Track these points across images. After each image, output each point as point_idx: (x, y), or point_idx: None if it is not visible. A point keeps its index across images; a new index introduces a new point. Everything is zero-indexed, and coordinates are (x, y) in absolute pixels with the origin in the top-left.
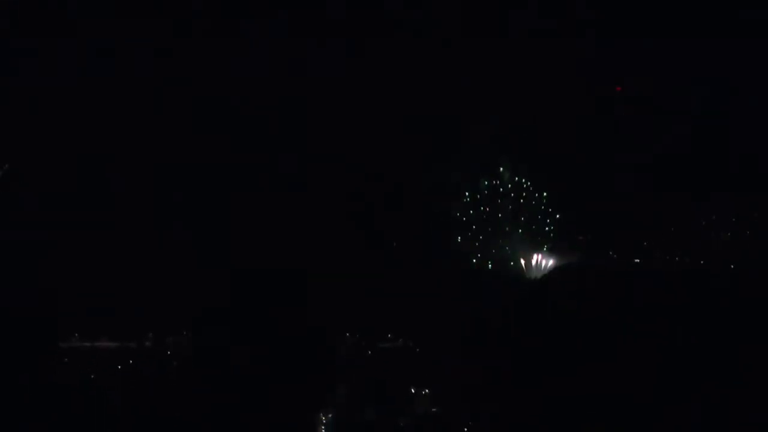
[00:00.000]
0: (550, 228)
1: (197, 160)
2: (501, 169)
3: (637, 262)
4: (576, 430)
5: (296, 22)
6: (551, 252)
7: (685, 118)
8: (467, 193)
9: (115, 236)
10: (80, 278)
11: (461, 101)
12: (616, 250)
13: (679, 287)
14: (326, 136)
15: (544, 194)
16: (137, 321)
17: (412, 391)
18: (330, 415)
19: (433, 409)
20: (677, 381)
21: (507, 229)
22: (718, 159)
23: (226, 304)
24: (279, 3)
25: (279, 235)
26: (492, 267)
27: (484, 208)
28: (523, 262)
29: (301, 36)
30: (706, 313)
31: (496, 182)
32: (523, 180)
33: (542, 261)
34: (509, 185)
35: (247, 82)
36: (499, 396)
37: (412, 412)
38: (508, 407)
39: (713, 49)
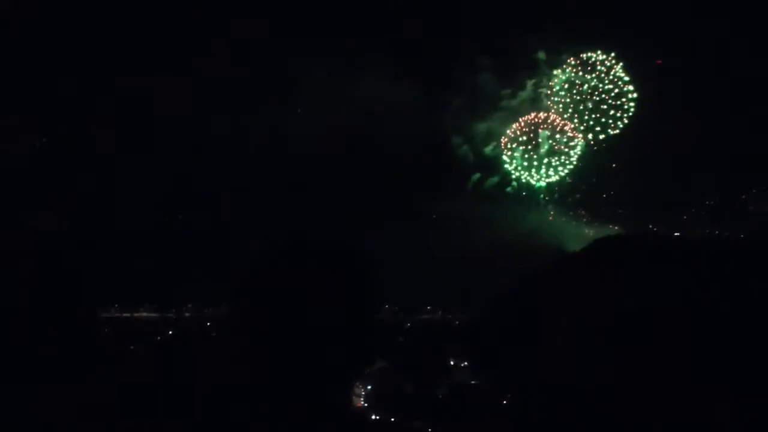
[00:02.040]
0: (590, 200)
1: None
2: (539, 138)
3: (677, 236)
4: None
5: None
6: (591, 224)
7: (723, 90)
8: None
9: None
10: (121, 249)
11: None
12: (655, 223)
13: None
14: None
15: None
16: (176, 292)
17: (451, 363)
18: (369, 387)
19: (472, 381)
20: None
21: (546, 199)
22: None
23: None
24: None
25: (318, 206)
26: (531, 238)
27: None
28: (563, 234)
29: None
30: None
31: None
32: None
33: (582, 233)
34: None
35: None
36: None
37: (451, 384)
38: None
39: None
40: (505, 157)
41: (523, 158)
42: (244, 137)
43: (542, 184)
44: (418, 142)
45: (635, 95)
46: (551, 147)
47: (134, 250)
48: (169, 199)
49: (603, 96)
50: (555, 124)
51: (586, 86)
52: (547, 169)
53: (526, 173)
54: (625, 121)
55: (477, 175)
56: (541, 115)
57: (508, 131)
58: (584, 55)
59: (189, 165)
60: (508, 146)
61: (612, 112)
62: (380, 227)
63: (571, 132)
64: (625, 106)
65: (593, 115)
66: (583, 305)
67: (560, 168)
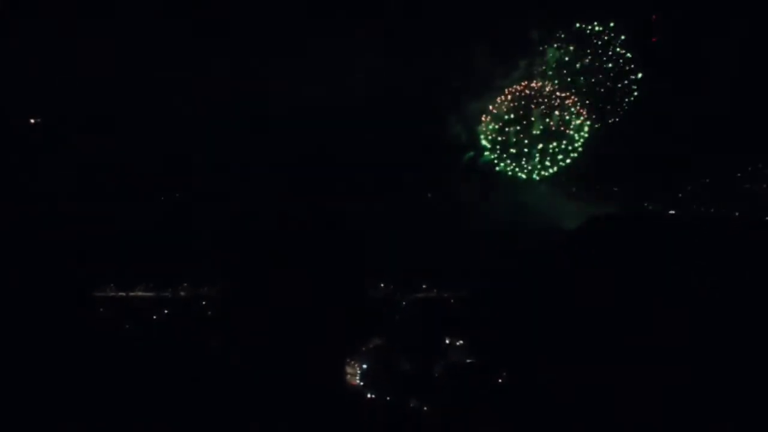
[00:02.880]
0: (584, 178)
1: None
2: (533, 118)
3: (672, 214)
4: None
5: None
6: (586, 201)
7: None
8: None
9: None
10: (117, 230)
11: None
12: (650, 201)
13: (715, 238)
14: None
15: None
16: (172, 271)
17: (447, 341)
18: (364, 366)
19: (468, 360)
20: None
21: (540, 178)
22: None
23: (261, 254)
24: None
25: (316, 186)
26: (527, 217)
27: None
28: (557, 211)
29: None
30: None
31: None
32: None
33: (577, 210)
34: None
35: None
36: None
37: (447, 362)
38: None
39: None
40: (484, 142)
41: (511, 143)
42: (237, 117)
43: (535, 177)
44: (410, 122)
45: (639, 75)
46: (548, 127)
47: (130, 231)
48: (162, 180)
49: (600, 76)
50: (553, 98)
51: (579, 64)
52: (543, 158)
53: (514, 164)
54: (627, 105)
55: (470, 154)
56: (534, 85)
57: (489, 106)
58: (577, 27)
59: (183, 146)
60: (489, 127)
61: (614, 94)
62: (375, 207)
63: (576, 109)
64: (628, 89)
65: (591, 97)
66: (579, 285)
67: (561, 157)
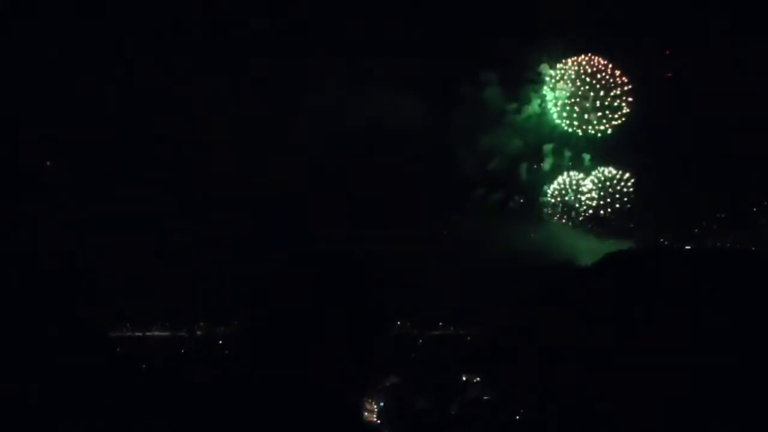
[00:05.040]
0: (600, 214)
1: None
2: (544, 151)
3: (688, 249)
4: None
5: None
6: (601, 238)
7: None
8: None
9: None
10: (130, 268)
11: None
12: (666, 236)
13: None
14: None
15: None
16: (188, 310)
17: (464, 378)
18: (381, 403)
19: (485, 397)
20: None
21: (554, 215)
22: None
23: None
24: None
25: (329, 222)
26: (541, 252)
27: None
28: (572, 248)
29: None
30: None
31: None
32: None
33: (592, 247)
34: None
35: None
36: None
37: (464, 400)
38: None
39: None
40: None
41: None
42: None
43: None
44: (423, 156)
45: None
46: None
47: (145, 268)
48: (178, 215)
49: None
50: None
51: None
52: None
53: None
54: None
55: (482, 190)
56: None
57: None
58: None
59: (199, 181)
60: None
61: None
62: (389, 244)
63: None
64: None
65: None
66: (595, 321)
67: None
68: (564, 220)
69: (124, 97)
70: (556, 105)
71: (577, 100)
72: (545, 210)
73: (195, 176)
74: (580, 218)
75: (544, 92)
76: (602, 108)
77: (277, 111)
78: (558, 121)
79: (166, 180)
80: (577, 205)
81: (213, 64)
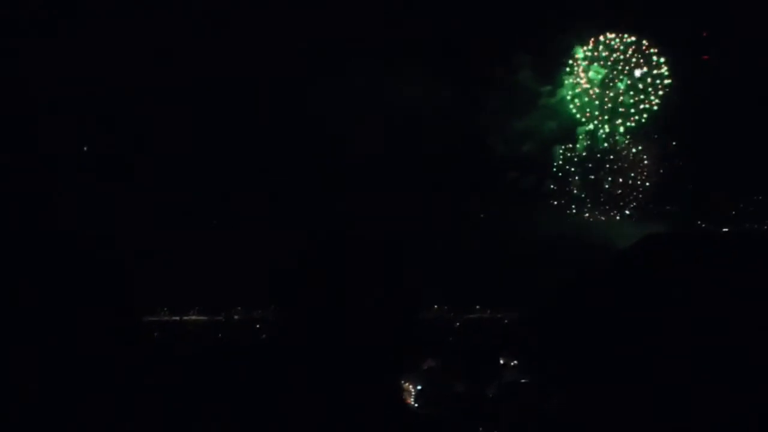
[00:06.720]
0: (637, 196)
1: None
2: (579, 135)
3: (725, 232)
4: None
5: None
6: (639, 220)
7: None
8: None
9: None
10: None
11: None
12: (704, 219)
13: None
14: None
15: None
16: (225, 294)
17: (501, 362)
18: (419, 387)
19: (522, 380)
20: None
21: (588, 198)
22: None
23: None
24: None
25: (366, 206)
26: (577, 236)
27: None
28: (608, 232)
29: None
30: None
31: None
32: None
33: (628, 231)
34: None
35: None
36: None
37: (501, 383)
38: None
39: None
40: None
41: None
42: (286, 139)
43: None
44: (459, 141)
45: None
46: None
47: (183, 253)
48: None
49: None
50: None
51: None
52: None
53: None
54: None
55: (516, 174)
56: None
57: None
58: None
59: (238, 167)
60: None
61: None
62: (426, 228)
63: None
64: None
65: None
66: (633, 304)
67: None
68: (599, 203)
69: (167, 82)
70: (590, 85)
71: (611, 80)
72: (580, 193)
73: (234, 161)
74: (615, 201)
75: (576, 73)
76: (636, 88)
77: (313, 98)
78: (592, 102)
79: (204, 164)
80: (609, 188)
81: (259, 51)
